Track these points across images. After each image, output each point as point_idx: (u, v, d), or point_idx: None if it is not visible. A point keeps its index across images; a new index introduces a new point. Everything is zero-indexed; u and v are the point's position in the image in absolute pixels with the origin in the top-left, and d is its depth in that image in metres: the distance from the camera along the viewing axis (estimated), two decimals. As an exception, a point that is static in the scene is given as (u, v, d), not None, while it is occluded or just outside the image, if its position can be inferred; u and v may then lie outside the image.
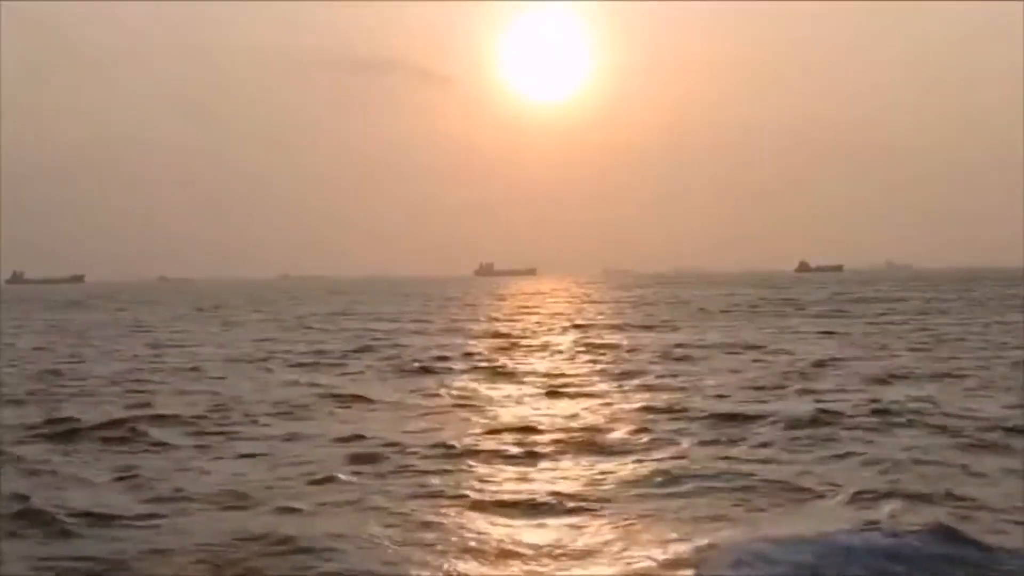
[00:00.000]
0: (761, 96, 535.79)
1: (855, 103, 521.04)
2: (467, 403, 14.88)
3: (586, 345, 25.61)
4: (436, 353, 23.57)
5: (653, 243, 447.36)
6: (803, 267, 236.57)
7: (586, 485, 9.22)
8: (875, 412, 12.86)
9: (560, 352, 24.04)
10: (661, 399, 14.76)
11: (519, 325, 36.81)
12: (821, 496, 8.63)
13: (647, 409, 13.75)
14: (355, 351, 24.89)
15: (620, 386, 16.70)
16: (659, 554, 7.05)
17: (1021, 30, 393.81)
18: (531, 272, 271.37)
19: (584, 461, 10.31)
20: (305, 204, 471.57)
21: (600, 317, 41.79)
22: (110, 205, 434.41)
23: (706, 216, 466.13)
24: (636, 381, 17.30)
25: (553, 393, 15.89)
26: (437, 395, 15.94)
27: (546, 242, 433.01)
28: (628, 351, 23.61)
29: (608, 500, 8.61)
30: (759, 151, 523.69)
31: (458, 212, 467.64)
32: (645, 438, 11.49)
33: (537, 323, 38.19)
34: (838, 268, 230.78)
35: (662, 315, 42.01)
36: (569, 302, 63.05)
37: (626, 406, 14.16)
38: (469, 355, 23.16)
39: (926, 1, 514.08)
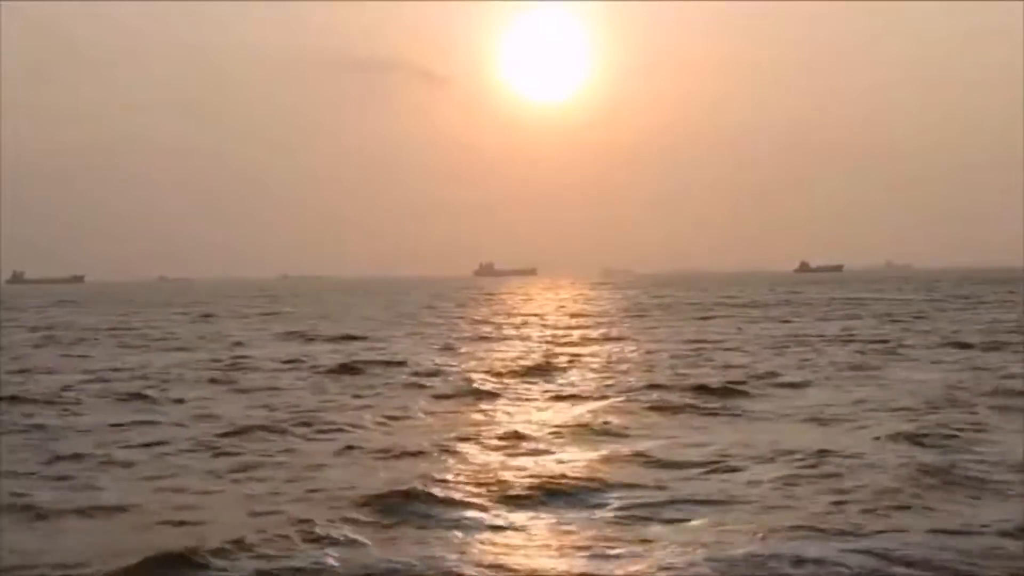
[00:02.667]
0: (761, 96, 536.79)
1: (855, 103, 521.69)
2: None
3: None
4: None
5: (653, 243, 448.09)
6: (803, 267, 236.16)
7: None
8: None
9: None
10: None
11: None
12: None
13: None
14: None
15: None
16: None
17: (1021, 30, 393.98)
18: (531, 272, 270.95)
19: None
20: (305, 204, 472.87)
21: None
22: (110, 205, 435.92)
23: (706, 216, 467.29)
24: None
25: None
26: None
27: (546, 242, 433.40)
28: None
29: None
30: (759, 151, 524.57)
31: (458, 212, 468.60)
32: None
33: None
34: (838, 268, 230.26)
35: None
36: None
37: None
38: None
39: (926, 1, 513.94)
